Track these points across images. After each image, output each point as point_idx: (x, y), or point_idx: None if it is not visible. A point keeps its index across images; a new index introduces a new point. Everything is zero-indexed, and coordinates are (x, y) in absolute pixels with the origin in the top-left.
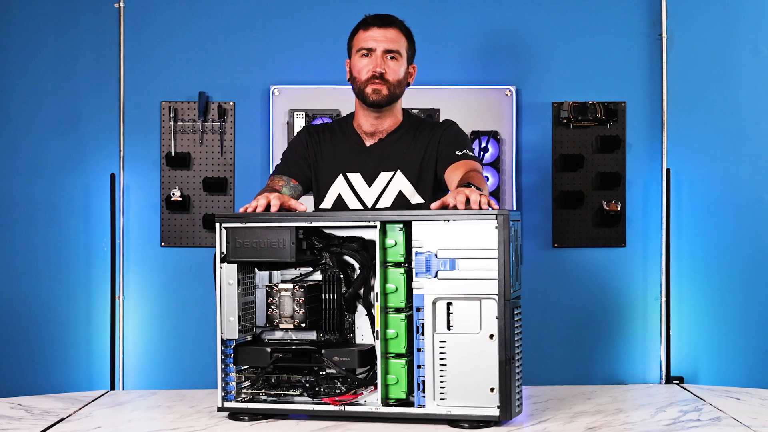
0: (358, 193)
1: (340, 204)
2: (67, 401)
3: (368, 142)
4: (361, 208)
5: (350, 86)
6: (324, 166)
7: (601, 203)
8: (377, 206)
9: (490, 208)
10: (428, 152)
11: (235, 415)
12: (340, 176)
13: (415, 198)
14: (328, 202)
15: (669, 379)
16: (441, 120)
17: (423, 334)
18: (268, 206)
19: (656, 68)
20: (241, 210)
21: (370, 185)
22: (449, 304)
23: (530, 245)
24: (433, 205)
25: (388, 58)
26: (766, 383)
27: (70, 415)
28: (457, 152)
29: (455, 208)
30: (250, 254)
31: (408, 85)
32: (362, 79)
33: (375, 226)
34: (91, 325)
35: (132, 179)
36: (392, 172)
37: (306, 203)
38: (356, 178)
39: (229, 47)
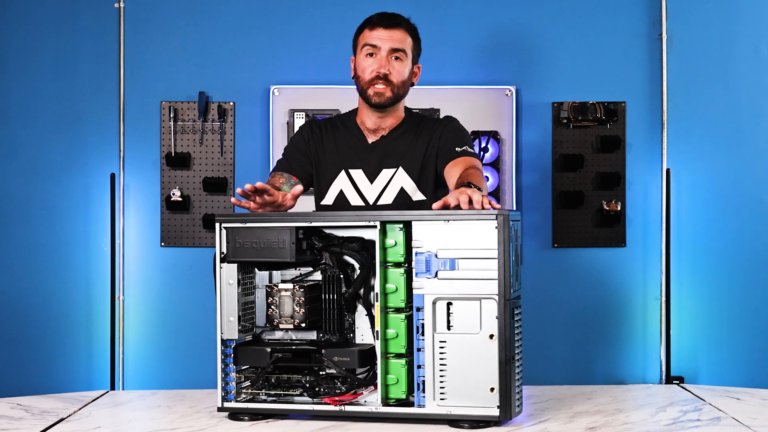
0: (360, 190)
1: (342, 200)
2: (67, 401)
3: (371, 139)
4: (363, 204)
5: (352, 84)
6: (326, 162)
7: (601, 203)
8: (379, 203)
9: (492, 209)
10: (429, 149)
11: (235, 415)
12: (342, 172)
13: (417, 195)
14: (329, 198)
15: (669, 379)
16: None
17: (423, 334)
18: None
19: (656, 68)
20: (239, 191)
21: (372, 182)
22: (449, 304)
23: (530, 245)
24: (435, 205)
25: (393, 58)
26: (766, 383)
27: (70, 415)
28: (456, 149)
29: (457, 207)
30: (250, 254)
31: (412, 84)
32: (366, 80)
33: (375, 226)
34: (91, 325)
35: (132, 179)
36: (394, 169)
37: (305, 204)
38: (358, 174)
39: (229, 47)
